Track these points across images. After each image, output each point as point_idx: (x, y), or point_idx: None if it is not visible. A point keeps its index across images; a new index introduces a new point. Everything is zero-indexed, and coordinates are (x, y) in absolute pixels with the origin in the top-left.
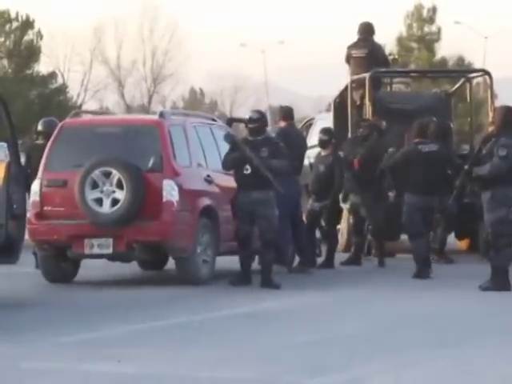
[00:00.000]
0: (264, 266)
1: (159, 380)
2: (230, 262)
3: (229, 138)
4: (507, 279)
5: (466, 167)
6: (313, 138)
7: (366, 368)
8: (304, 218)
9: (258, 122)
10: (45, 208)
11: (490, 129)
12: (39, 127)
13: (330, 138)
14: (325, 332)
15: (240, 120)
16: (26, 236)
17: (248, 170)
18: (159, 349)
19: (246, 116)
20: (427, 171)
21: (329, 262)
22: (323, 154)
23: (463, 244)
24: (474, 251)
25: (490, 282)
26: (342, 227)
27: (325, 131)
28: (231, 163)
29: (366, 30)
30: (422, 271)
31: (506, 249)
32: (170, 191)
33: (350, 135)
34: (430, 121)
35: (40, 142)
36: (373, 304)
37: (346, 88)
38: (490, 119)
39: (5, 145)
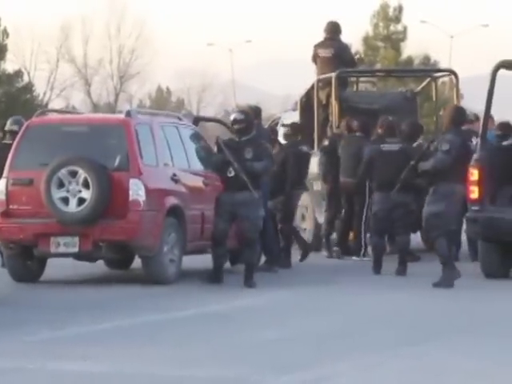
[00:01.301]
0: (246, 264)
1: (127, 379)
2: (196, 262)
3: (196, 137)
4: (453, 267)
5: (411, 162)
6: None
7: (333, 366)
8: None
9: (242, 122)
10: (11, 207)
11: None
12: (7, 126)
13: (275, 136)
14: (293, 330)
15: (206, 119)
16: None
17: (231, 172)
18: (126, 347)
19: (216, 115)
20: (389, 169)
21: (286, 261)
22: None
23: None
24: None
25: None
26: (309, 226)
27: (272, 131)
28: (215, 166)
29: (333, 30)
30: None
31: (439, 239)
32: (136, 190)
33: (315, 134)
34: (386, 119)
35: (8, 141)
36: (341, 302)
37: (313, 87)
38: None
39: None
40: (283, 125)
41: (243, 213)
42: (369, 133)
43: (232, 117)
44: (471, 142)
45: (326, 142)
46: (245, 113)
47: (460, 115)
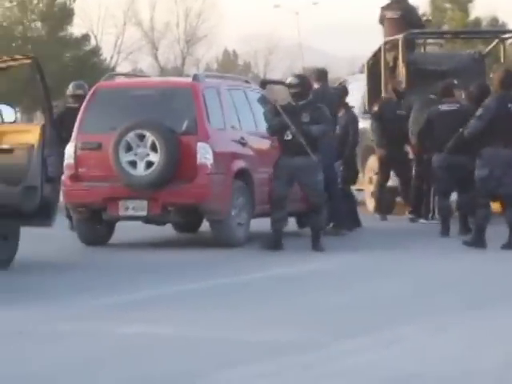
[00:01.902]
0: (313, 229)
1: (192, 342)
2: (265, 225)
3: (263, 101)
4: (482, 236)
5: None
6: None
7: (401, 329)
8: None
9: (298, 86)
10: (79, 170)
11: None
12: (71, 91)
13: (344, 98)
14: (360, 293)
15: (274, 82)
16: (61, 198)
17: (289, 136)
18: (193, 311)
19: (283, 78)
20: (447, 129)
21: (354, 222)
22: (340, 114)
23: (496, 206)
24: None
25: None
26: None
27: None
28: (273, 129)
29: None
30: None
31: (481, 208)
32: (204, 154)
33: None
34: (451, 83)
35: (72, 104)
36: (407, 265)
37: (380, 49)
38: None
39: (9, 107)
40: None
41: (302, 178)
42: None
43: (287, 81)
44: None
45: (376, 108)
46: (300, 77)
47: (507, 78)
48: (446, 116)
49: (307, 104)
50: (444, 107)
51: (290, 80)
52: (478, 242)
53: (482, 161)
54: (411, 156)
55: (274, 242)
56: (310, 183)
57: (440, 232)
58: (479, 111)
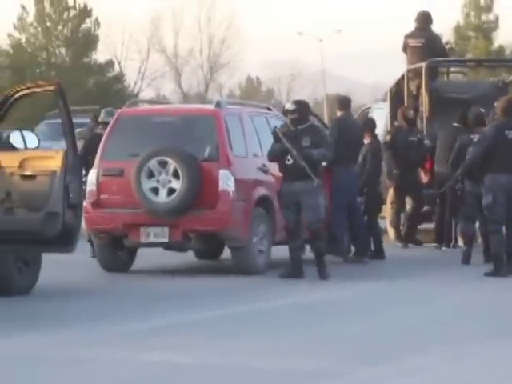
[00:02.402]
0: (315, 256)
1: (210, 370)
2: (285, 252)
3: (273, 130)
4: (501, 264)
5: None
6: None
7: (422, 358)
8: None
9: (296, 112)
10: (101, 197)
11: None
12: (102, 117)
13: (371, 127)
14: (380, 322)
15: None
16: (83, 225)
17: (289, 160)
18: (212, 339)
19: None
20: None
21: (379, 253)
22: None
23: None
24: None
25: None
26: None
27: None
28: (273, 155)
29: (424, 19)
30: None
31: (494, 235)
32: (226, 181)
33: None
34: (481, 111)
35: (100, 131)
36: (429, 293)
37: (403, 77)
38: None
39: (32, 133)
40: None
41: (305, 201)
42: (466, 123)
43: (285, 107)
44: None
45: (388, 137)
46: (298, 103)
47: (509, 106)
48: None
49: (307, 128)
50: (477, 136)
51: (287, 106)
52: (499, 270)
53: (485, 188)
54: (424, 181)
55: (293, 270)
56: (310, 207)
57: (462, 259)
58: (477, 138)
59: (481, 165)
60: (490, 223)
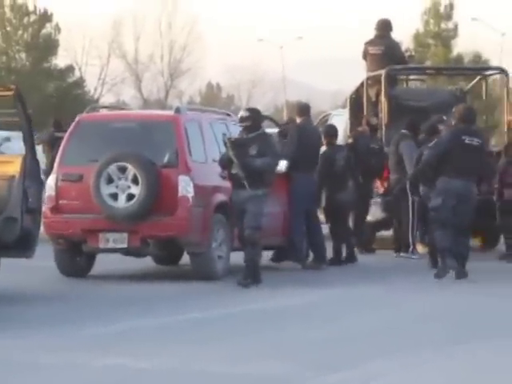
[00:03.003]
0: (245, 263)
1: (171, 375)
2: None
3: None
4: (447, 257)
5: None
6: None
7: (380, 364)
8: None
9: (248, 120)
10: (60, 202)
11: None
12: None
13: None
14: (339, 328)
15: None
16: (42, 229)
17: (235, 169)
18: (172, 344)
19: (266, 112)
20: None
21: (351, 257)
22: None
23: (477, 241)
24: (488, 248)
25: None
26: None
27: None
28: (220, 163)
29: (384, 27)
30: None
31: (437, 233)
32: (185, 187)
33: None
34: (440, 119)
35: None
36: (388, 299)
37: (362, 84)
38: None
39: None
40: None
41: (248, 208)
42: (414, 130)
43: (239, 115)
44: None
45: (350, 140)
46: (251, 110)
47: (467, 114)
48: None
49: (256, 136)
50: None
51: (241, 114)
52: (445, 265)
53: (436, 190)
54: (381, 191)
55: (249, 276)
56: (251, 212)
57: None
58: (433, 142)
59: (435, 168)
60: (435, 224)
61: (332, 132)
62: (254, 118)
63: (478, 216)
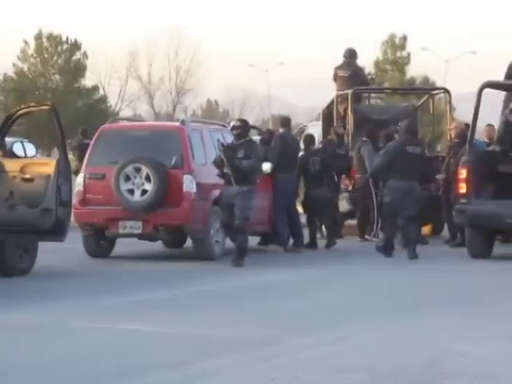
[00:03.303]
0: (236, 246)
1: (177, 338)
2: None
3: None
4: (392, 246)
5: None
6: None
7: (345, 329)
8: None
9: (239, 128)
10: (87, 196)
11: (452, 134)
12: None
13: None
14: (311, 300)
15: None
16: (72, 218)
17: (226, 169)
18: (177, 312)
19: (254, 123)
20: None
21: (313, 244)
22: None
23: (427, 229)
24: (436, 235)
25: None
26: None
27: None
28: (214, 164)
29: (350, 54)
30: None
31: (390, 226)
32: (189, 184)
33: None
34: (394, 129)
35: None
36: (352, 277)
37: (333, 102)
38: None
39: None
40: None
41: (237, 202)
42: (372, 137)
43: (231, 124)
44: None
45: (320, 145)
46: (242, 121)
47: (411, 126)
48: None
49: (244, 142)
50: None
51: (233, 123)
52: (386, 249)
53: (386, 190)
54: (348, 188)
55: (240, 257)
56: (241, 206)
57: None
58: (382, 151)
59: (386, 171)
60: (388, 217)
61: (310, 141)
62: (243, 127)
63: (427, 209)
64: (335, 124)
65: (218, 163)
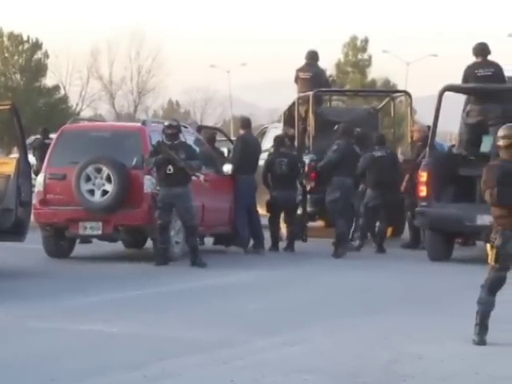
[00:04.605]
0: (191, 248)
1: (137, 339)
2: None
3: (198, 142)
4: (346, 241)
5: (319, 164)
6: (266, 143)
7: (305, 331)
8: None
9: (175, 128)
10: (47, 196)
11: (414, 137)
12: None
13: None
14: (272, 301)
15: (207, 127)
16: (32, 219)
17: (171, 170)
18: (137, 313)
19: (216, 125)
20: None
21: (273, 246)
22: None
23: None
24: (396, 236)
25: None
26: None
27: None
28: (154, 164)
29: (312, 56)
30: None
31: (338, 222)
32: (149, 185)
33: (296, 142)
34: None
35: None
36: (312, 279)
37: (294, 103)
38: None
39: None
40: None
41: (181, 204)
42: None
43: (166, 123)
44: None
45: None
46: (176, 121)
47: (347, 128)
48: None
49: (180, 144)
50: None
51: (169, 122)
52: (344, 248)
53: (332, 187)
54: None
55: (161, 258)
56: (187, 207)
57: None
58: (333, 146)
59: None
60: (334, 214)
61: (279, 142)
62: (178, 127)
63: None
64: (296, 126)
65: (163, 163)
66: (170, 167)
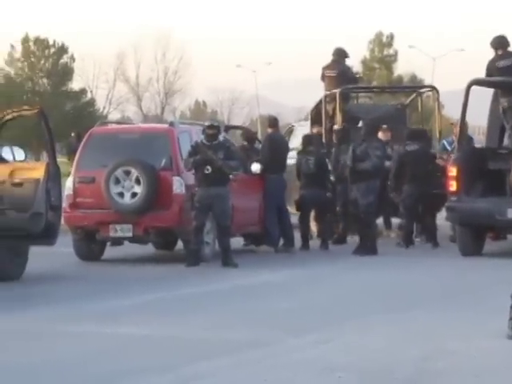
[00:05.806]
0: (223, 248)
1: (168, 340)
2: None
3: (225, 142)
4: (375, 245)
5: (348, 163)
6: (293, 142)
7: (336, 329)
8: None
9: (216, 128)
10: (77, 200)
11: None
12: None
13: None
14: (302, 300)
15: (235, 127)
16: (62, 222)
17: (209, 170)
18: (169, 316)
19: (243, 124)
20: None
21: (304, 245)
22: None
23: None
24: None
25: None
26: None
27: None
28: (193, 164)
29: (339, 54)
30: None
31: (373, 223)
32: (178, 186)
33: (323, 140)
34: (380, 127)
35: None
36: (344, 276)
37: (321, 101)
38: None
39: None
40: None
41: (218, 204)
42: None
43: (207, 123)
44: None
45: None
46: (217, 121)
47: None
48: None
49: (219, 144)
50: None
51: (210, 122)
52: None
53: (368, 190)
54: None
55: (193, 260)
56: (223, 208)
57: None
58: (376, 151)
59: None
60: (371, 215)
61: (307, 141)
62: (219, 128)
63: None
64: (324, 123)
65: (201, 163)
66: (208, 167)
